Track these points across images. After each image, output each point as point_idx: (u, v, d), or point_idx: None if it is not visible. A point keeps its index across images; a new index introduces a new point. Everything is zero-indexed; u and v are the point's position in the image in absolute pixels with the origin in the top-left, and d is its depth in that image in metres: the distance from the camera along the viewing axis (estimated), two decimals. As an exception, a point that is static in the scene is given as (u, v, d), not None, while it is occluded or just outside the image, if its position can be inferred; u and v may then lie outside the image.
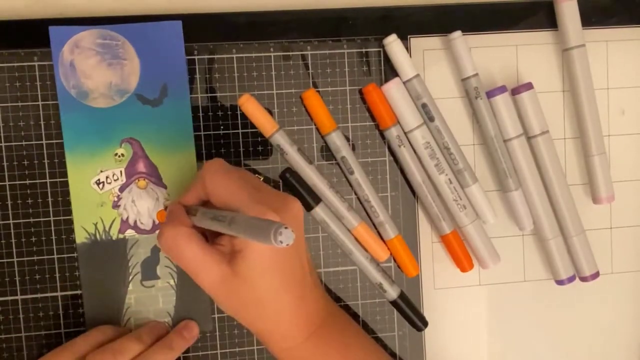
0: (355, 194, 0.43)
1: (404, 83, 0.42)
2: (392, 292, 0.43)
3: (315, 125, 0.42)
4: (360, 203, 0.43)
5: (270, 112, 0.42)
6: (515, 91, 0.42)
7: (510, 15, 0.44)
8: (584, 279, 0.44)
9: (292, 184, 0.41)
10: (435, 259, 0.45)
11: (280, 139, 0.41)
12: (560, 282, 0.44)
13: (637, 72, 0.46)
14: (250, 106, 0.40)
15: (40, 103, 0.40)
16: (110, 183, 0.40)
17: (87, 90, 0.40)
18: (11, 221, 0.40)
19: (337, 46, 0.42)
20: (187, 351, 0.42)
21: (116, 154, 0.40)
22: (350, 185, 0.43)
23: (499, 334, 0.46)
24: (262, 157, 0.42)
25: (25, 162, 0.40)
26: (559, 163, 0.43)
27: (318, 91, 0.42)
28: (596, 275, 0.44)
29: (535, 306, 0.46)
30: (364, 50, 0.42)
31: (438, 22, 0.43)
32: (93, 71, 0.40)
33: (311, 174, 0.41)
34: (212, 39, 0.41)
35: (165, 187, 0.41)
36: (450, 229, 0.43)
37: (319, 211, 0.42)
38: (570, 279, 0.44)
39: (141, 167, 0.41)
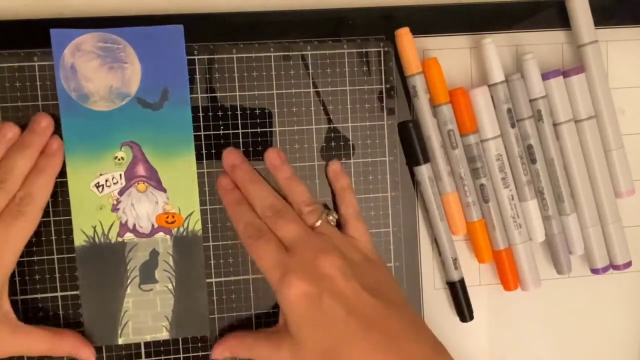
0: (452, 170, 0.43)
1: (489, 87, 0.42)
2: (456, 274, 0.43)
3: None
4: (454, 180, 0.43)
5: (270, 113, 0.42)
6: (565, 74, 0.43)
7: (511, 15, 0.44)
8: (616, 268, 0.45)
9: (410, 134, 0.42)
10: (435, 259, 0.44)
11: (418, 82, 0.41)
12: (595, 271, 0.45)
13: (637, 72, 0.46)
14: (406, 39, 0.41)
15: (40, 103, 0.40)
16: (109, 186, 0.40)
17: (88, 93, 0.40)
18: (11, 221, 0.40)
19: (337, 46, 0.42)
20: (186, 352, 0.42)
21: (116, 157, 0.40)
22: (449, 160, 0.43)
23: (499, 334, 0.46)
24: (262, 157, 0.42)
25: (25, 162, 0.40)
26: (601, 148, 0.44)
27: (318, 91, 0.42)
28: (628, 264, 0.45)
29: (536, 306, 0.46)
30: (364, 50, 0.42)
31: (438, 22, 0.43)
32: (94, 74, 0.40)
33: (430, 126, 0.42)
34: (212, 39, 0.41)
35: (164, 190, 0.41)
36: (505, 245, 0.43)
37: (423, 170, 0.42)
38: (605, 269, 0.45)
39: (141, 170, 0.41)
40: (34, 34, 0.39)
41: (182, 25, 0.40)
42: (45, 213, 0.40)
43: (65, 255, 0.41)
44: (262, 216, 0.39)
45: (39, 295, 0.41)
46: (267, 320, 0.43)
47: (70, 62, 0.39)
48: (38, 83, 0.40)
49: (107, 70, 0.40)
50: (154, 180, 0.41)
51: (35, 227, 0.38)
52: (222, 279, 0.42)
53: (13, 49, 0.39)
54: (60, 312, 0.41)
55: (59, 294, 0.41)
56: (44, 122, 0.39)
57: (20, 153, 0.37)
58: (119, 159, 0.40)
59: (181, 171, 0.41)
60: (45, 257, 0.40)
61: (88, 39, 0.39)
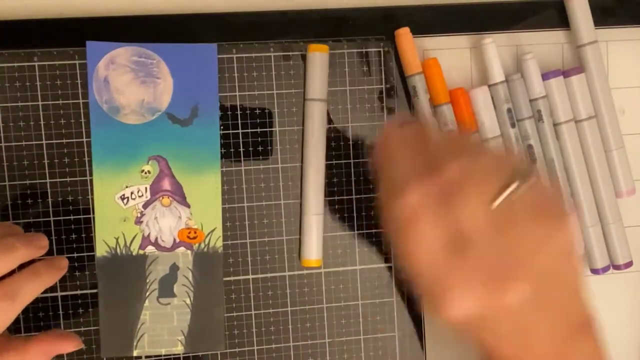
0: None
1: (489, 87, 0.42)
2: None
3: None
4: None
5: (270, 113, 0.42)
6: (565, 74, 0.43)
7: (511, 15, 0.44)
8: (617, 267, 0.45)
9: None
10: (435, 259, 0.44)
11: (418, 82, 0.42)
12: (595, 271, 0.45)
13: (637, 72, 0.46)
14: (406, 39, 0.41)
15: (40, 103, 0.40)
16: (134, 199, 0.41)
17: (119, 106, 0.40)
18: (11, 222, 0.40)
19: (337, 46, 0.42)
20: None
21: (142, 171, 0.40)
22: None
23: (499, 334, 0.46)
24: (262, 157, 0.42)
25: (25, 162, 0.40)
26: (602, 148, 0.44)
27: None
28: (630, 264, 0.45)
29: (536, 306, 0.46)
30: (364, 50, 0.42)
31: (438, 22, 0.43)
32: (126, 88, 0.40)
33: (430, 126, 0.41)
34: (212, 39, 0.41)
35: (188, 206, 0.41)
36: None
37: None
38: (605, 269, 0.45)
39: (166, 185, 0.41)
40: (34, 34, 0.39)
41: (216, 44, 0.40)
42: (45, 212, 0.40)
43: (65, 256, 0.41)
44: None
45: (39, 295, 0.40)
46: (267, 320, 0.43)
47: (104, 74, 0.39)
48: (38, 83, 0.40)
49: (140, 84, 0.40)
50: (179, 195, 0.41)
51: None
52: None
53: (13, 49, 0.39)
54: (61, 312, 0.41)
55: (59, 293, 0.41)
56: (64, 263, 0.38)
57: (33, 277, 0.36)
58: (145, 173, 0.40)
59: (206, 188, 0.41)
60: (45, 257, 0.40)
61: (123, 52, 0.40)
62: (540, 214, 0.27)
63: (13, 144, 0.40)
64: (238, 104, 0.42)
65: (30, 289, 0.35)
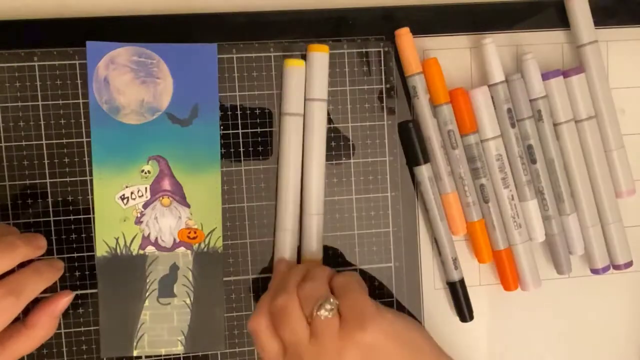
0: (452, 170, 0.43)
1: (489, 87, 0.42)
2: (456, 274, 0.43)
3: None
4: (454, 180, 0.43)
5: (270, 113, 0.42)
6: (565, 74, 0.43)
7: (511, 15, 0.44)
8: (617, 267, 0.45)
9: (409, 135, 0.42)
10: (435, 259, 0.45)
11: (418, 82, 0.41)
12: (595, 271, 0.45)
13: (637, 72, 0.46)
14: (406, 39, 0.41)
15: (40, 103, 0.40)
16: (134, 199, 0.41)
17: (119, 106, 0.40)
18: (11, 221, 0.40)
19: (337, 46, 0.42)
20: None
21: (142, 171, 0.41)
22: (449, 160, 0.43)
23: (499, 334, 0.46)
24: (262, 157, 0.42)
25: (25, 162, 0.40)
26: (602, 148, 0.44)
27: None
28: (630, 264, 0.45)
29: (536, 306, 0.46)
30: (364, 50, 0.42)
31: (438, 22, 0.43)
32: (126, 88, 0.40)
33: (430, 126, 0.42)
34: (212, 39, 0.41)
35: (188, 206, 0.41)
36: (506, 245, 0.43)
37: (423, 170, 0.42)
38: (605, 269, 0.45)
39: (166, 185, 0.41)
40: (34, 34, 0.39)
41: (216, 44, 0.40)
42: (45, 212, 0.40)
43: (65, 255, 0.41)
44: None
45: (39, 295, 0.40)
46: (267, 320, 0.43)
47: (103, 74, 0.39)
48: (38, 83, 0.40)
49: (140, 84, 0.40)
50: (179, 195, 0.41)
51: None
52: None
53: (13, 49, 0.39)
54: (61, 312, 0.41)
55: (59, 294, 0.41)
56: (61, 265, 0.39)
57: (36, 275, 0.37)
58: (145, 173, 0.40)
59: (206, 187, 0.41)
60: (45, 258, 0.40)
61: (123, 52, 0.40)
62: (344, 321, 0.36)
63: (13, 144, 0.40)
64: (238, 104, 0.42)
65: (34, 286, 0.36)
